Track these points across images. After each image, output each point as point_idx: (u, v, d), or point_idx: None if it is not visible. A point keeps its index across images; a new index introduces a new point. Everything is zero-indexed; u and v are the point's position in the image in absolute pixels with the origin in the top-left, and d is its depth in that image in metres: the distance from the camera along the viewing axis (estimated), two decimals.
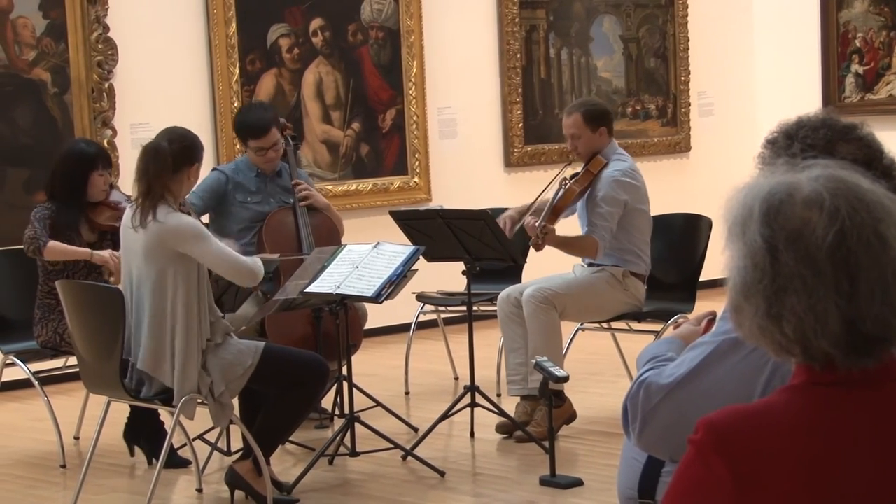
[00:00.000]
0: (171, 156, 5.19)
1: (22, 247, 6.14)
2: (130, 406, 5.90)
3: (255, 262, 5.29)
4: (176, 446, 5.84)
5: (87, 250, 6.06)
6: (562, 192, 6.26)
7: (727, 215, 1.88)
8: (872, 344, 1.81)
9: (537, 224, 6.08)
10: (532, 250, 6.28)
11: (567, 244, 6.33)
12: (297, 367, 5.33)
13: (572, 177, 6.34)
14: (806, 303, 1.80)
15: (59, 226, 6.07)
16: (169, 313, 5.16)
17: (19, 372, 6.26)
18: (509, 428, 6.23)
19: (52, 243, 5.99)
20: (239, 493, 5.36)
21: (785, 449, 1.80)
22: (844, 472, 1.80)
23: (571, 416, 6.32)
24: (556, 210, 6.22)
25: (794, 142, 2.62)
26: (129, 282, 5.30)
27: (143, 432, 6.03)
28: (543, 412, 5.80)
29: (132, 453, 6.09)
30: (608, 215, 6.27)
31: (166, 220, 5.13)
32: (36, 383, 6.13)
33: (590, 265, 6.47)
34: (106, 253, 6.04)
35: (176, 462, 5.87)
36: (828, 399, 1.84)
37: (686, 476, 1.85)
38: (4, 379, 6.39)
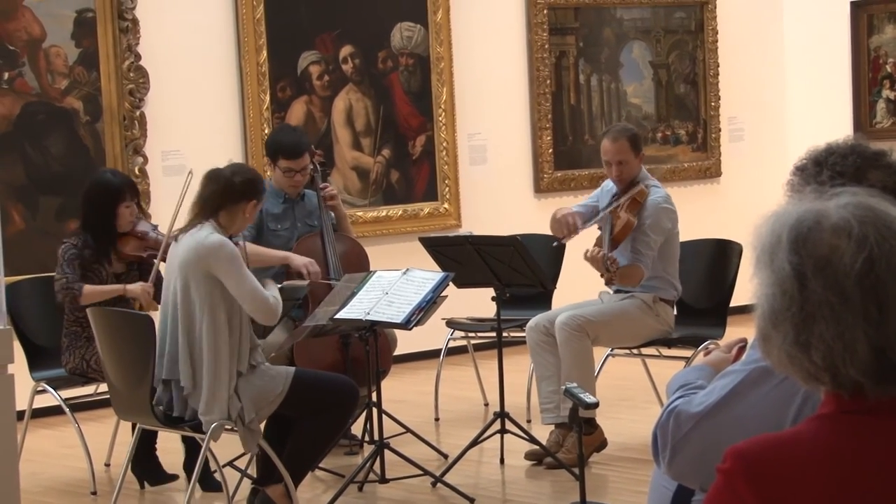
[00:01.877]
0: (231, 186, 5.23)
1: (53, 274, 6.18)
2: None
3: (277, 303, 5.22)
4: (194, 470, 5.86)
5: (121, 286, 6.09)
6: (616, 223, 6.21)
7: (755, 243, 1.87)
8: None
9: (604, 255, 6.01)
10: (561, 276, 6.24)
11: (623, 276, 6.30)
12: (328, 392, 5.33)
13: (613, 206, 6.29)
14: (835, 330, 1.79)
15: (87, 260, 6.10)
16: (197, 334, 5.17)
17: (50, 399, 6.29)
18: (539, 455, 6.21)
19: (87, 288, 6.03)
20: None
21: (814, 478, 1.79)
22: (872, 501, 1.78)
23: (602, 444, 6.29)
24: (615, 242, 6.19)
25: (823, 169, 2.61)
26: (169, 298, 5.30)
27: (139, 456, 6.05)
28: (574, 439, 5.77)
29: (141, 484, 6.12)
30: (654, 244, 6.27)
31: (208, 237, 5.15)
32: (67, 410, 6.15)
33: (617, 291, 6.45)
34: (137, 287, 6.07)
35: (212, 485, 5.91)
36: (857, 428, 1.82)
37: None
38: (36, 406, 6.42)
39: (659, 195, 6.37)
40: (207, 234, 5.16)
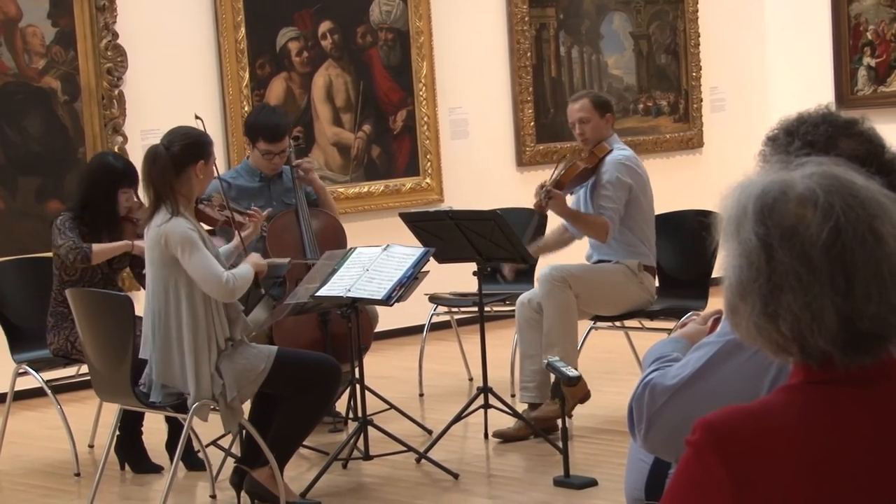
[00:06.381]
0: (170, 158, 5.16)
1: (35, 255, 6.15)
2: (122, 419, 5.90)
3: (236, 283, 5.11)
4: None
5: (128, 242, 6.05)
6: (566, 165, 6.30)
7: (722, 214, 1.86)
8: (870, 342, 1.79)
9: (540, 187, 6.12)
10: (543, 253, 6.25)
11: (576, 217, 6.33)
12: (310, 369, 5.32)
13: (574, 160, 6.40)
14: (802, 301, 1.78)
15: (85, 237, 6.06)
16: (174, 316, 5.15)
17: (32, 381, 6.26)
18: (505, 434, 6.18)
19: (96, 247, 5.98)
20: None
21: (783, 448, 1.78)
22: (843, 471, 1.78)
23: (585, 396, 6.23)
24: (560, 182, 6.25)
25: (794, 138, 2.60)
26: (148, 285, 5.31)
27: (124, 439, 6.03)
28: (553, 402, 5.73)
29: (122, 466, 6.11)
30: (616, 198, 6.30)
31: (167, 224, 5.13)
32: (49, 392, 6.13)
33: (598, 262, 6.45)
34: (143, 243, 6.04)
35: (195, 464, 5.91)
36: (826, 398, 1.82)
37: (684, 477, 1.83)
38: (18, 388, 6.40)
39: (622, 153, 6.43)
40: (163, 219, 5.14)
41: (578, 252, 6.67)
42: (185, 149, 5.19)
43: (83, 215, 6.07)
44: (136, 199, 6.17)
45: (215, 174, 5.43)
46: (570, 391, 6.06)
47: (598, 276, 6.31)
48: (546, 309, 6.13)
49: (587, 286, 6.25)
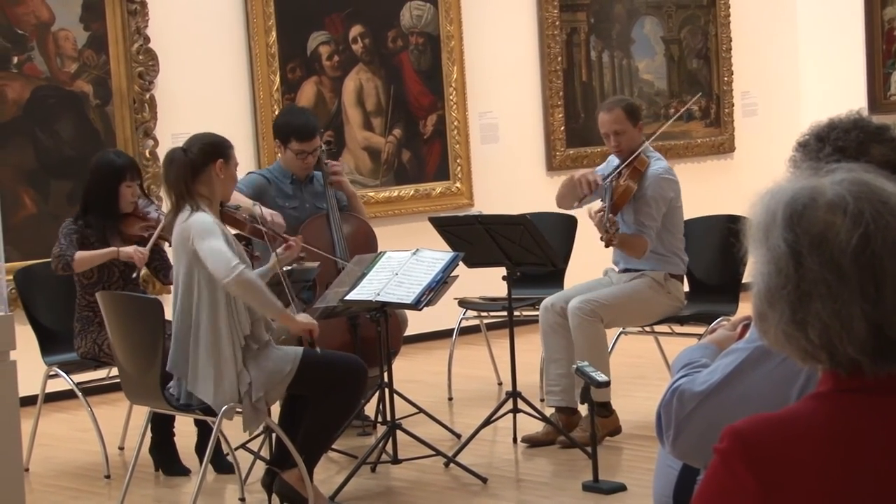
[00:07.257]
0: (188, 160, 5.19)
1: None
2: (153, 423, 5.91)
3: (244, 275, 5.01)
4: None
5: (114, 249, 6.07)
6: (616, 189, 6.21)
7: (751, 220, 1.85)
8: None
9: (605, 219, 6.00)
10: (572, 254, 6.22)
11: (625, 243, 6.28)
12: (337, 370, 5.32)
13: (614, 175, 6.29)
14: (831, 308, 1.77)
15: (89, 239, 6.09)
16: (194, 314, 5.16)
17: (63, 383, 6.29)
18: (534, 439, 6.17)
19: (79, 254, 6.02)
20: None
21: (811, 457, 1.77)
22: (871, 480, 1.76)
23: (616, 430, 6.26)
24: (615, 208, 6.18)
25: (825, 144, 2.59)
26: (176, 288, 5.33)
27: (158, 440, 6.06)
28: (587, 418, 5.75)
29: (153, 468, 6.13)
30: (657, 214, 6.26)
31: (190, 218, 5.16)
32: (80, 394, 6.16)
33: (624, 270, 6.42)
34: (130, 249, 6.06)
35: (224, 467, 5.93)
36: (855, 406, 1.80)
37: (712, 484, 1.82)
38: (49, 390, 6.43)
39: (660, 166, 6.36)
40: (185, 217, 5.17)
41: (604, 257, 6.63)
42: (203, 148, 5.25)
43: (87, 216, 6.12)
44: (141, 193, 6.22)
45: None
46: (602, 422, 6.05)
47: (626, 299, 6.26)
48: (576, 341, 6.10)
49: (618, 310, 6.22)
